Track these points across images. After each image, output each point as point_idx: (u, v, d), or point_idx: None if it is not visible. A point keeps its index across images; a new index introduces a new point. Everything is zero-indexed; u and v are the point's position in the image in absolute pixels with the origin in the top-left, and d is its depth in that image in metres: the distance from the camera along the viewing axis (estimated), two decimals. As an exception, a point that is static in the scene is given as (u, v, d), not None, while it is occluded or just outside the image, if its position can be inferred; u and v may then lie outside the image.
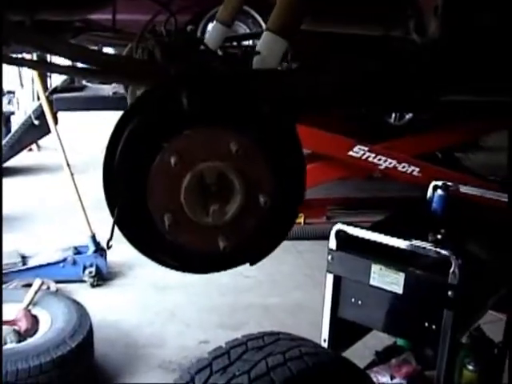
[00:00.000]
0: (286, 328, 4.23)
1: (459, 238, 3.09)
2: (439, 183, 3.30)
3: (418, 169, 6.30)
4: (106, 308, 4.45)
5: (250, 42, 3.71)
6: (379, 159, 6.17)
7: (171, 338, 4.15)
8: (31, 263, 4.84)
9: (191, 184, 1.28)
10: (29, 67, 1.61)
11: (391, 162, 6.22)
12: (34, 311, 3.74)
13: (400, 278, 2.49)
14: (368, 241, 2.63)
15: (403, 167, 6.29)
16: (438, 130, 6.65)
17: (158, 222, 1.30)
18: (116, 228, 1.34)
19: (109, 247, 1.31)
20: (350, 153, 6.06)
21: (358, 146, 6.06)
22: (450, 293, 2.37)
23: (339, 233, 2.64)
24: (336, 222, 2.67)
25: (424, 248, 2.49)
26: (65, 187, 5.21)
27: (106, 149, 1.32)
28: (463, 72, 1.82)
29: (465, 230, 3.14)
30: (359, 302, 2.65)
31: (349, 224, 2.68)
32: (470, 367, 2.99)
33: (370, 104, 1.82)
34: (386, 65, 1.62)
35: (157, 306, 4.58)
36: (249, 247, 1.37)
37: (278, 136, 1.33)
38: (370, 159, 6.13)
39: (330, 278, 2.69)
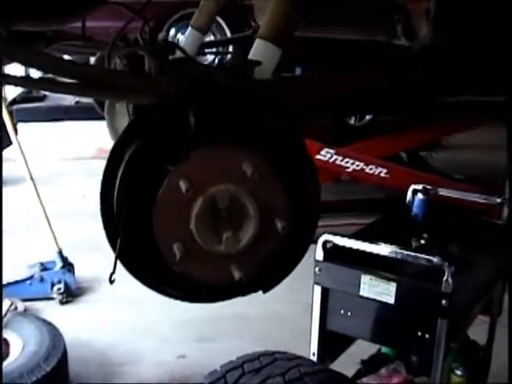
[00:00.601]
0: (266, 339, 4.18)
1: (442, 242, 3.06)
2: (418, 187, 3.26)
3: (385, 170, 6.30)
4: (77, 326, 4.30)
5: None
6: (347, 162, 6.15)
7: (147, 354, 4.02)
8: (-4, 282, 4.65)
9: (202, 210, 1.17)
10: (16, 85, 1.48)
11: (359, 165, 6.20)
12: (4, 334, 3.58)
13: (391, 287, 2.43)
14: (353, 249, 2.57)
15: (370, 169, 6.28)
16: (404, 130, 6.66)
17: (165, 253, 1.20)
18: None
19: (111, 282, 1.20)
20: (318, 156, 6.01)
21: (326, 149, 6.03)
22: (443, 301, 2.32)
23: (326, 243, 2.57)
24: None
25: (415, 256, 2.44)
26: (27, 200, 5.02)
27: (103, 174, 1.21)
28: (460, 74, 1.77)
29: (446, 233, 3.11)
30: (349, 314, 2.58)
31: (335, 234, 2.61)
32: (459, 372, 2.94)
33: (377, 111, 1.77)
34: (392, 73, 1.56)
35: (130, 321, 4.45)
36: (262, 274, 1.27)
37: (292, 154, 1.24)
38: (338, 162, 6.11)
39: (317, 290, 2.62)
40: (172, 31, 5.40)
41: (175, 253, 1.17)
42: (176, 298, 1.30)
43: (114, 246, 1.21)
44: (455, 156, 9.10)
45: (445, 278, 2.30)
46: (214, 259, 1.20)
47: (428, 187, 3.23)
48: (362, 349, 2.93)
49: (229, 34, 5.34)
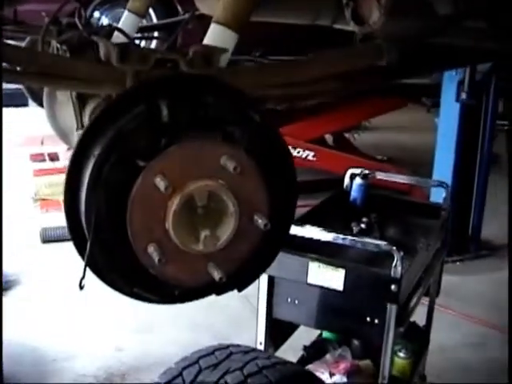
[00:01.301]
0: (201, 327, 4.12)
1: (382, 225, 3.08)
2: (356, 171, 3.26)
3: (312, 153, 6.33)
4: (6, 322, 4.11)
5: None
6: (274, 145, 6.12)
7: (82, 349, 3.89)
8: None
9: (180, 208, 1.10)
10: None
11: (286, 148, 6.19)
12: None
13: (340, 274, 2.42)
14: (298, 236, 2.54)
15: (298, 152, 6.30)
16: (328, 113, 6.69)
17: (140, 255, 1.12)
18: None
19: (81, 287, 1.11)
20: (245, 142, 5.97)
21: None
22: (393, 287, 2.32)
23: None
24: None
25: (363, 242, 2.43)
26: None
27: (67, 173, 1.12)
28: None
29: (384, 216, 3.13)
30: (296, 302, 2.56)
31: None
32: (402, 354, 2.99)
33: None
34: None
35: (62, 314, 4.29)
36: (239, 272, 1.21)
37: (271, 147, 1.18)
38: (265, 146, 6.07)
39: (263, 278, 2.59)
40: (96, 14, 5.22)
41: (152, 255, 1.09)
42: (149, 301, 1.22)
43: (81, 252, 1.12)
44: (376, 137, 9.28)
45: (394, 264, 2.30)
46: (191, 259, 1.14)
47: (366, 172, 3.24)
48: (299, 334, 2.91)
49: (155, 20, 5.19)
